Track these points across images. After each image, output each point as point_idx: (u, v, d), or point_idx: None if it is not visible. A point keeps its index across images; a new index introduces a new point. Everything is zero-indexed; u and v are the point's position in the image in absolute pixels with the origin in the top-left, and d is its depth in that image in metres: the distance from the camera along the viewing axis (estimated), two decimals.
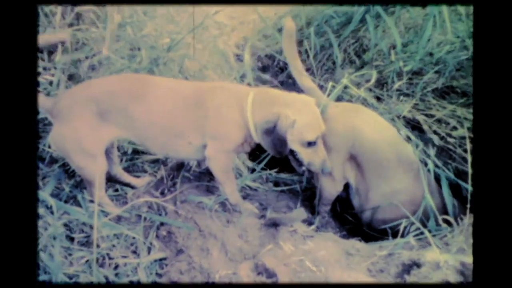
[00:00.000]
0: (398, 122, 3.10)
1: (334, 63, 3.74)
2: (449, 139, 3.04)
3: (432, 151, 2.82)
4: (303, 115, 2.37)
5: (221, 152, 2.45)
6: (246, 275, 2.13)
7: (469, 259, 2.02)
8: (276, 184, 3.11)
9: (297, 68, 2.86)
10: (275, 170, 3.16)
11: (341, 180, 2.78)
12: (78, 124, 2.28)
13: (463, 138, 2.95)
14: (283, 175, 3.18)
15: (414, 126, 3.18)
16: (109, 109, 2.31)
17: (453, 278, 1.97)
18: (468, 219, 2.37)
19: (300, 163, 2.51)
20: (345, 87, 3.25)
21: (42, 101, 2.29)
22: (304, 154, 2.44)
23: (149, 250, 2.33)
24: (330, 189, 2.81)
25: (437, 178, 2.74)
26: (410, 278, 2.05)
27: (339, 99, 3.26)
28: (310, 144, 2.40)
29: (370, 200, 2.72)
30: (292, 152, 2.48)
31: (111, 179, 2.61)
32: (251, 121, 2.42)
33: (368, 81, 3.48)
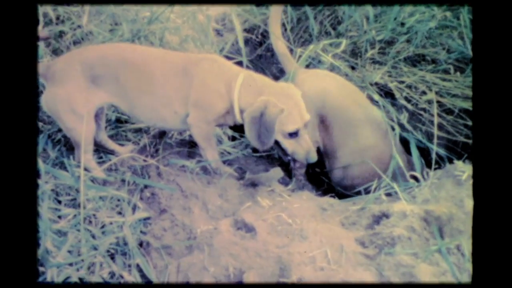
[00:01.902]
0: (371, 89, 3.22)
1: (310, 35, 3.85)
2: (418, 104, 3.18)
3: (404, 116, 2.96)
4: (286, 105, 2.42)
5: (203, 121, 2.53)
6: (226, 230, 2.24)
7: (432, 208, 2.17)
8: (255, 150, 3.23)
9: (275, 33, 2.98)
10: None
11: (314, 143, 2.88)
12: (71, 86, 2.38)
13: (431, 102, 3.08)
14: None
15: (386, 92, 3.31)
16: (102, 75, 2.40)
17: (418, 224, 2.11)
18: (432, 175, 2.52)
19: (285, 152, 2.58)
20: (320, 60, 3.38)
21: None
22: (288, 145, 2.51)
23: (133, 210, 2.43)
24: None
25: (404, 141, 2.88)
26: (379, 228, 2.19)
27: (315, 67, 3.40)
28: (291, 135, 2.47)
29: (340, 158, 2.84)
30: (276, 141, 2.54)
31: (96, 145, 2.69)
32: (237, 102, 2.49)
33: (343, 52, 3.61)
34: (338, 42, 3.46)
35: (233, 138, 3.24)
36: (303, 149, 2.51)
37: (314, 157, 2.53)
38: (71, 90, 2.39)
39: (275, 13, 3.10)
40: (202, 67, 2.49)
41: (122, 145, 2.87)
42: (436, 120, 2.60)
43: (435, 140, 2.55)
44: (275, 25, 3.09)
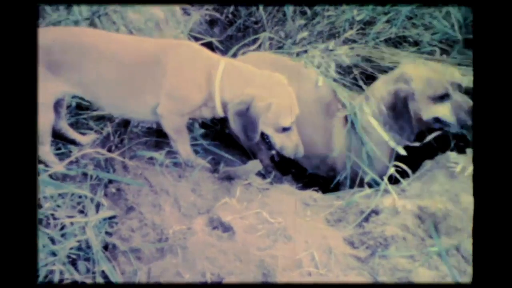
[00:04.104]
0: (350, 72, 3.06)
1: (285, 14, 3.63)
2: None
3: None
4: (279, 98, 2.26)
5: (175, 113, 2.34)
6: (200, 229, 2.06)
7: (425, 203, 2.01)
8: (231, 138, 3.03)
9: None
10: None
11: None
12: None
13: None
14: None
15: (368, 76, 3.13)
16: (60, 62, 2.18)
17: (411, 222, 1.96)
18: (424, 166, 2.38)
19: (270, 147, 2.43)
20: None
21: None
22: (277, 139, 2.35)
23: (97, 209, 2.21)
24: None
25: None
26: (368, 226, 2.03)
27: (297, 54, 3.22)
28: (285, 129, 2.31)
29: None
30: (262, 135, 2.37)
31: (55, 135, 2.47)
32: (218, 94, 2.30)
33: (320, 32, 3.42)
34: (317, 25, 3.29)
35: (203, 125, 3.02)
36: (292, 143, 2.36)
37: (302, 152, 2.39)
38: None
39: None
40: (177, 54, 2.29)
41: (83, 134, 2.64)
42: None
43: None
44: None
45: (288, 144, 2.35)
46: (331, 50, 3.13)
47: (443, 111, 2.45)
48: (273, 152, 2.47)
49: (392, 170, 2.36)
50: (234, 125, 2.29)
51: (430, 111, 2.47)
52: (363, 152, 2.57)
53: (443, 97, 2.43)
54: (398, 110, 2.48)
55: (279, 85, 2.30)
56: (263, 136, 2.38)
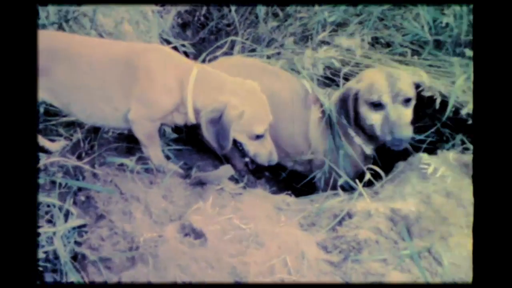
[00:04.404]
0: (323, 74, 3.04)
1: (257, 16, 3.61)
2: None
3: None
4: (252, 105, 2.24)
5: (146, 119, 2.30)
6: (172, 237, 2.02)
7: (398, 206, 2.01)
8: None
9: None
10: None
11: None
12: None
13: None
14: None
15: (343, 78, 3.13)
16: None
17: (384, 225, 1.95)
18: (397, 168, 2.38)
19: (244, 154, 2.40)
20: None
21: None
22: (251, 146, 2.33)
23: (66, 218, 2.16)
24: None
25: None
26: (342, 230, 2.02)
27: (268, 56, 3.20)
28: (258, 136, 2.29)
29: None
30: (235, 143, 2.35)
31: None
32: (191, 100, 2.26)
33: (292, 34, 3.41)
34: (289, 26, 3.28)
35: (177, 130, 2.98)
36: (266, 151, 2.34)
37: (275, 158, 2.37)
38: None
39: None
40: (148, 58, 2.25)
41: (52, 140, 2.57)
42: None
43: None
44: None
45: (262, 152, 2.34)
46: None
47: (375, 119, 2.46)
48: (247, 159, 2.44)
49: (368, 176, 2.37)
50: (207, 133, 2.26)
51: (366, 116, 2.49)
52: (340, 153, 2.57)
53: (377, 106, 2.43)
54: (344, 107, 2.52)
55: (251, 92, 2.28)
56: (237, 143, 2.36)
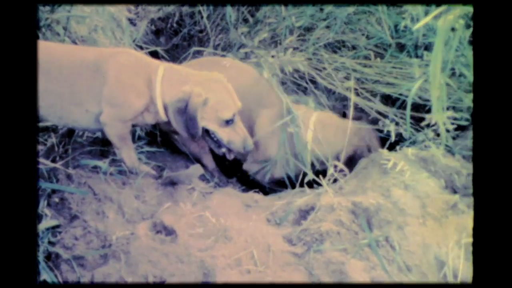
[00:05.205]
0: (291, 78, 3.14)
1: (228, 22, 3.70)
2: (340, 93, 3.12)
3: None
4: (216, 93, 2.32)
5: (117, 120, 2.36)
6: (144, 234, 2.08)
7: (359, 199, 2.11)
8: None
9: None
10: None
11: None
12: None
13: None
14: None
15: (311, 80, 3.23)
16: None
17: (346, 217, 2.05)
18: (360, 164, 2.47)
19: (219, 144, 2.46)
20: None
21: None
22: (222, 134, 2.39)
23: (40, 219, 2.21)
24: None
25: None
26: (306, 223, 2.10)
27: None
28: (228, 122, 2.36)
29: None
30: (208, 133, 2.41)
31: None
32: (159, 97, 2.34)
33: (262, 40, 3.50)
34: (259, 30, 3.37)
35: (149, 134, 3.05)
36: (240, 137, 2.41)
37: (251, 144, 2.44)
38: None
39: None
40: (116, 61, 2.31)
41: None
42: (352, 103, 2.58)
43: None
44: None
45: (235, 138, 2.40)
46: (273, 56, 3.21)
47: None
48: (223, 150, 2.48)
49: (331, 171, 2.45)
50: (176, 124, 2.33)
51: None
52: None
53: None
54: None
55: (216, 82, 2.36)
56: (210, 135, 2.42)
